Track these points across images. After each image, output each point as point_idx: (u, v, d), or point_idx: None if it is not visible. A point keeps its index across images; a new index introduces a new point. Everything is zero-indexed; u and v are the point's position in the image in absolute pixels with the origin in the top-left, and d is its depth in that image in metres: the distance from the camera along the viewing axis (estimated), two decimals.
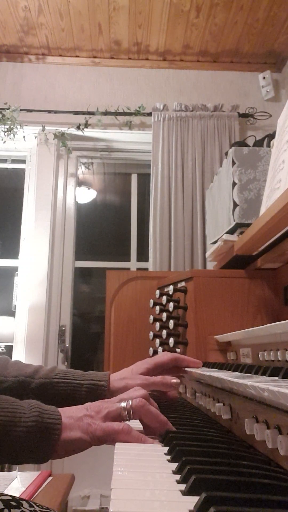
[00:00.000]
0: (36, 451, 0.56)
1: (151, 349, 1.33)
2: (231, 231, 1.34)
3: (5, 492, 1.00)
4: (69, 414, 0.59)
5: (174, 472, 0.43)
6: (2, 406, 0.57)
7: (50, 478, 1.64)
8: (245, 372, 0.70)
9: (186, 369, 0.86)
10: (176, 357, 0.87)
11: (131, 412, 0.58)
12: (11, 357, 2.08)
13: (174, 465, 0.44)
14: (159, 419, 0.59)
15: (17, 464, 0.59)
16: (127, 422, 0.59)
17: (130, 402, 0.59)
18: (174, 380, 0.78)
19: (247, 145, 1.42)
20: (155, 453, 0.50)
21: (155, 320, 1.28)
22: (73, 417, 0.58)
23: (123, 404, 0.59)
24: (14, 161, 3.07)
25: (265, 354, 0.72)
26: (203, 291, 1.11)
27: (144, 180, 3.22)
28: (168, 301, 1.21)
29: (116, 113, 3.03)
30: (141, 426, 0.61)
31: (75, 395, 0.76)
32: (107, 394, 0.76)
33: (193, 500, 0.34)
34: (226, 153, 1.43)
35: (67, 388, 0.77)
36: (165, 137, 2.94)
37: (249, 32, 2.94)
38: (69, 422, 0.58)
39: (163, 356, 0.87)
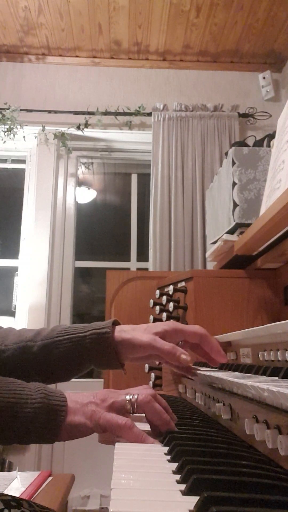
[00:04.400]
0: (42, 432, 0.56)
1: None
2: (231, 231, 1.34)
3: (5, 492, 1.00)
4: (75, 398, 0.59)
5: (174, 472, 0.42)
6: (9, 388, 0.57)
7: (50, 478, 1.64)
8: (245, 372, 0.70)
9: (199, 372, 0.75)
10: (203, 333, 0.73)
11: (136, 406, 0.58)
12: None
13: (174, 465, 0.44)
14: (162, 417, 0.59)
15: (25, 444, 0.59)
16: (136, 414, 0.59)
17: (136, 396, 0.59)
18: (184, 356, 0.68)
19: (247, 145, 1.42)
20: (155, 453, 0.50)
21: (155, 320, 1.28)
22: (79, 402, 0.59)
23: (128, 397, 0.59)
24: (14, 161, 3.07)
25: (265, 354, 0.72)
26: (203, 291, 1.11)
27: (144, 180, 3.22)
28: (168, 301, 1.21)
29: (116, 113, 3.03)
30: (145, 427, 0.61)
31: (80, 350, 0.72)
32: (112, 343, 0.71)
33: (193, 500, 0.34)
34: (226, 153, 1.43)
35: (71, 344, 0.72)
36: (165, 137, 2.94)
37: (249, 32, 2.94)
38: (75, 407, 0.58)
39: (190, 326, 0.75)
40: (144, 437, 0.56)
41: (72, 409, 0.58)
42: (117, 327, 0.74)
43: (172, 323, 0.74)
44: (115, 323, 0.75)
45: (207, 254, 1.52)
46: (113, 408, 0.58)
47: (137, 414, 0.60)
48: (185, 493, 0.37)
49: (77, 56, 3.17)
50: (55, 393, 0.59)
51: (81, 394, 0.60)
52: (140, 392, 0.60)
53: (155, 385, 1.29)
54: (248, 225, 1.21)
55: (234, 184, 1.32)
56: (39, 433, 0.56)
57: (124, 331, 0.72)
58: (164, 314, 1.23)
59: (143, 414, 0.60)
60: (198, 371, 0.74)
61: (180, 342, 0.77)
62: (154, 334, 0.71)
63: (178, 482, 0.40)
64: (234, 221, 1.30)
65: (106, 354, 0.72)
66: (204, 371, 0.75)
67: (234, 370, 0.75)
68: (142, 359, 0.76)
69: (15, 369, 0.73)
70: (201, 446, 0.49)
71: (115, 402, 0.58)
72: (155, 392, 0.62)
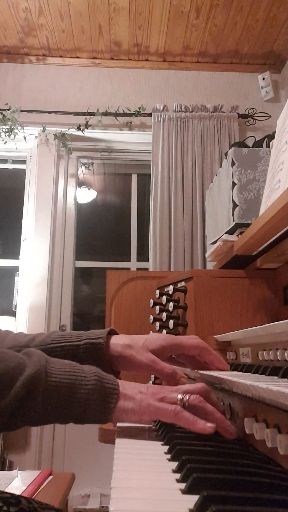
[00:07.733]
0: (97, 412, 0.57)
1: None
2: (230, 231, 1.34)
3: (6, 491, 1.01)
4: (126, 385, 0.60)
5: (174, 471, 0.43)
6: (65, 370, 0.59)
7: (50, 477, 1.64)
8: (245, 372, 0.70)
9: (200, 371, 0.74)
10: (203, 346, 0.73)
11: (186, 405, 0.58)
12: None
13: (174, 464, 0.44)
14: (216, 416, 0.57)
15: (81, 424, 0.60)
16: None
17: (188, 396, 0.58)
18: (184, 380, 0.69)
19: (246, 146, 1.43)
20: (155, 452, 0.51)
21: (155, 320, 1.28)
22: (130, 388, 0.60)
23: (179, 396, 0.58)
24: (14, 161, 3.07)
25: (264, 353, 0.72)
26: (203, 291, 1.12)
27: (144, 181, 3.22)
28: (168, 301, 1.21)
29: (116, 114, 3.04)
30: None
31: (73, 359, 0.70)
32: (106, 354, 0.70)
33: (193, 499, 0.34)
34: (226, 154, 1.43)
35: (65, 352, 0.71)
36: (165, 138, 2.94)
37: (248, 33, 2.94)
38: (126, 392, 0.59)
39: (188, 339, 0.74)
40: (195, 420, 0.55)
41: (123, 394, 0.59)
42: (113, 338, 0.73)
43: (171, 338, 0.73)
44: (111, 332, 0.74)
45: (207, 254, 1.53)
46: (163, 402, 0.58)
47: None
48: (185, 492, 0.37)
49: (77, 57, 3.17)
50: (108, 377, 0.60)
51: (133, 383, 0.61)
52: (194, 391, 0.60)
53: (154, 384, 1.29)
54: (248, 225, 1.21)
55: (233, 184, 1.32)
56: (94, 413, 0.57)
57: (120, 345, 0.71)
58: (164, 314, 1.23)
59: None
60: (200, 372, 0.74)
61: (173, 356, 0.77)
62: (152, 351, 0.70)
63: (178, 481, 0.40)
64: (233, 221, 1.30)
65: (100, 365, 0.70)
66: (204, 370, 0.75)
67: (234, 370, 0.75)
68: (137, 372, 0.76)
69: None
70: (201, 445, 0.50)
71: (166, 398, 0.58)
72: (208, 388, 0.61)
